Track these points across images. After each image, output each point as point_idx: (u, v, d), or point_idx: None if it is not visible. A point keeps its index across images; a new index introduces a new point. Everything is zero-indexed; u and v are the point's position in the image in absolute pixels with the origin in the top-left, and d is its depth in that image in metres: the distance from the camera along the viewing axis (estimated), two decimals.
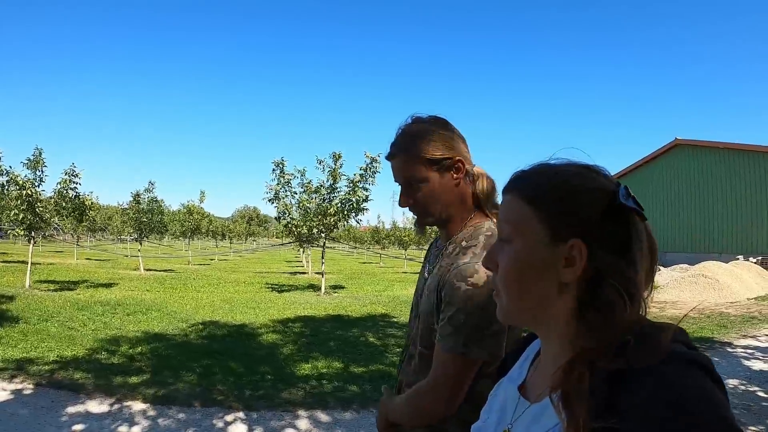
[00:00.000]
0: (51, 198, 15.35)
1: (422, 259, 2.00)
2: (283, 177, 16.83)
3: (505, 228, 0.81)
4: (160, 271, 24.61)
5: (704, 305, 13.81)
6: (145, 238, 23.60)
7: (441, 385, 1.34)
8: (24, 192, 14.04)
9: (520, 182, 0.82)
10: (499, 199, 1.06)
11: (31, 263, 13.63)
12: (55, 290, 14.79)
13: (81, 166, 14.82)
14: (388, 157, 1.53)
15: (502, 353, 1.29)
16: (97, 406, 5.55)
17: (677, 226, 26.61)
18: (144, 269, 22.99)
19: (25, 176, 14.29)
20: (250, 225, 53.80)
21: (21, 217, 14.15)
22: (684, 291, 15.93)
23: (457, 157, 1.47)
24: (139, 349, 8.13)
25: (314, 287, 19.70)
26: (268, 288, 18.96)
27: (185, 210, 30.00)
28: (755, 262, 19.63)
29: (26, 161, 14.36)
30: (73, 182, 15.68)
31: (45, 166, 14.52)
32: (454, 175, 1.47)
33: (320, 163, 16.63)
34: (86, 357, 7.39)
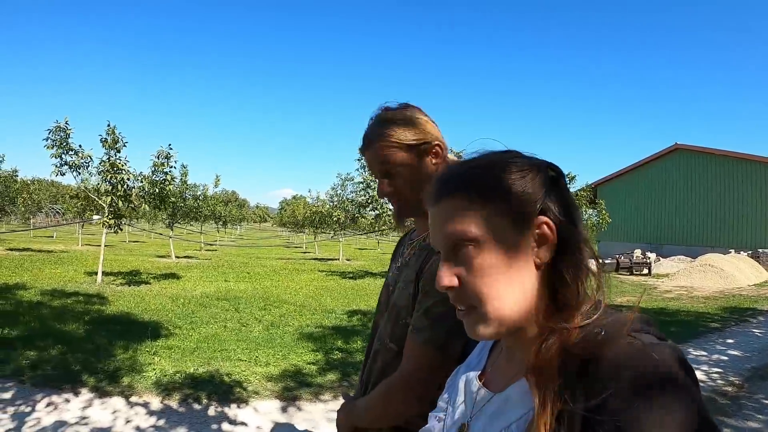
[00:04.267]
0: (142, 183, 13.21)
1: None
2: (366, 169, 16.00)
3: (462, 233, 0.74)
4: (183, 257, 22.65)
5: (716, 289, 15.81)
6: (176, 223, 21.60)
7: (414, 379, 1.22)
8: (122, 176, 11.98)
9: (459, 181, 0.76)
10: None
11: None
12: (125, 284, 12.91)
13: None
14: (362, 149, 1.43)
15: None
16: None
17: (674, 221, 28.70)
18: (175, 256, 21.05)
19: (105, 157, 12.15)
20: (241, 209, 51.32)
21: (118, 204, 12.06)
22: (694, 278, 17.69)
23: (435, 141, 1.39)
24: (359, 343, 7.39)
25: (372, 274, 18.74)
26: (333, 275, 17.60)
27: (200, 195, 27.88)
28: (746, 256, 21.58)
29: (103, 140, 12.16)
30: (168, 165, 13.49)
31: (125, 145, 12.37)
32: (433, 160, 1.39)
33: None
34: (334, 359, 6.57)
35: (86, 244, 28.04)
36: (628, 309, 0.71)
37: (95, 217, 39.41)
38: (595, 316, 0.69)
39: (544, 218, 0.72)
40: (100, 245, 27.38)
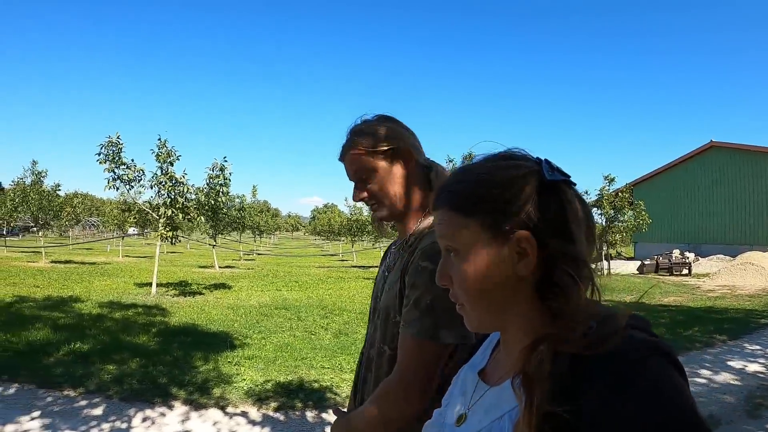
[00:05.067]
0: (197, 195, 13.02)
1: None
2: None
3: (448, 242, 0.79)
4: (224, 267, 22.58)
5: (759, 287, 15.84)
6: (219, 234, 21.58)
7: (411, 375, 1.20)
8: (181, 189, 11.93)
9: (447, 194, 0.80)
10: None
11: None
12: (178, 295, 12.82)
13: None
14: (340, 158, 1.49)
15: (472, 336, 1.12)
16: None
17: (711, 220, 28.21)
18: (218, 266, 21.03)
19: (157, 170, 12.10)
20: (275, 218, 51.46)
21: (178, 216, 12.00)
22: (735, 277, 17.60)
23: (405, 147, 1.43)
24: None
25: None
26: None
27: (238, 205, 27.96)
28: None
29: (157, 153, 12.02)
30: (223, 177, 13.19)
31: (178, 159, 12.25)
32: (403, 165, 1.44)
33: (449, 162, 15.69)
34: None
35: (125, 256, 28.25)
36: (623, 306, 0.71)
37: (131, 230, 40.08)
38: (589, 315, 0.68)
39: (524, 234, 0.72)
40: (139, 257, 27.91)
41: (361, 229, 26.57)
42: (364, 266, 26.96)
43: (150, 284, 14.15)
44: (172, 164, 12.13)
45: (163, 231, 11.97)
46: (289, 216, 79.95)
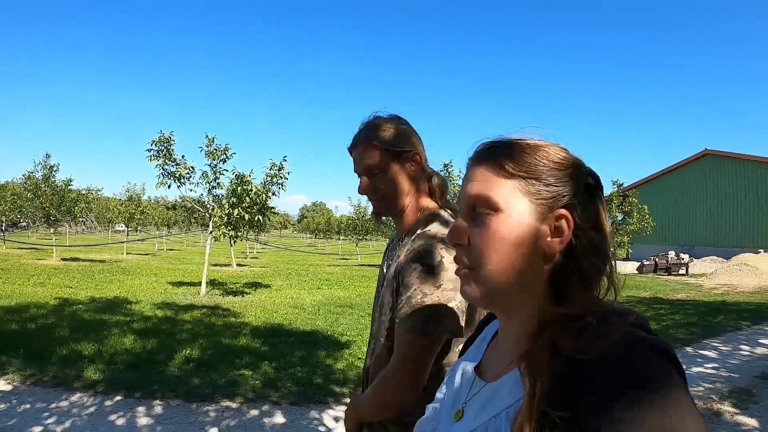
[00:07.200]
0: (258, 194, 12.66)
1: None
2: None
3: (486, 199, 0.76)
4: (243, 266, 22.32)
5: (755, 286, 17.04)
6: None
7: (404, 367, 1.29)
8: (248, 188, 11.76)
9: (499, 152, 0.78)
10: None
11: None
12: (226, 295, 12.66)
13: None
14: (351, 148, 1.56)
15: (462, 329, 1.28)
16: None
17: (705, 223, 29.53)
18: (236, 265, 20.81)
19: (208, 168, 11.96)
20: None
21: (244, 216, 11.82)
22: (732, 276, 18.55)
23: (415, 151, 1.51)
24: None
25: None
26: None
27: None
28: None
29: (210, 150, 11.80)
30: (280, 176, 12.61)
31: (230, 157, 12.00)
32: (411, 167, 1.51)
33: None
34: None
35: (128, 253, 27.68)
36: (621, 304, 0.73)
37: (120, 227, 39.12)
38: (594, 310, 0.69)
39: (565, 212, 0.73)
40: (142, 254, 27.37)
41: (365, 228, 26.52)
42: (370, 265, 26.97)
43: (182, 283, 13.99)
44: (224, 162, 11.93)
45: (224, 230, 11.77)
46: (277, 214, 79.37)
